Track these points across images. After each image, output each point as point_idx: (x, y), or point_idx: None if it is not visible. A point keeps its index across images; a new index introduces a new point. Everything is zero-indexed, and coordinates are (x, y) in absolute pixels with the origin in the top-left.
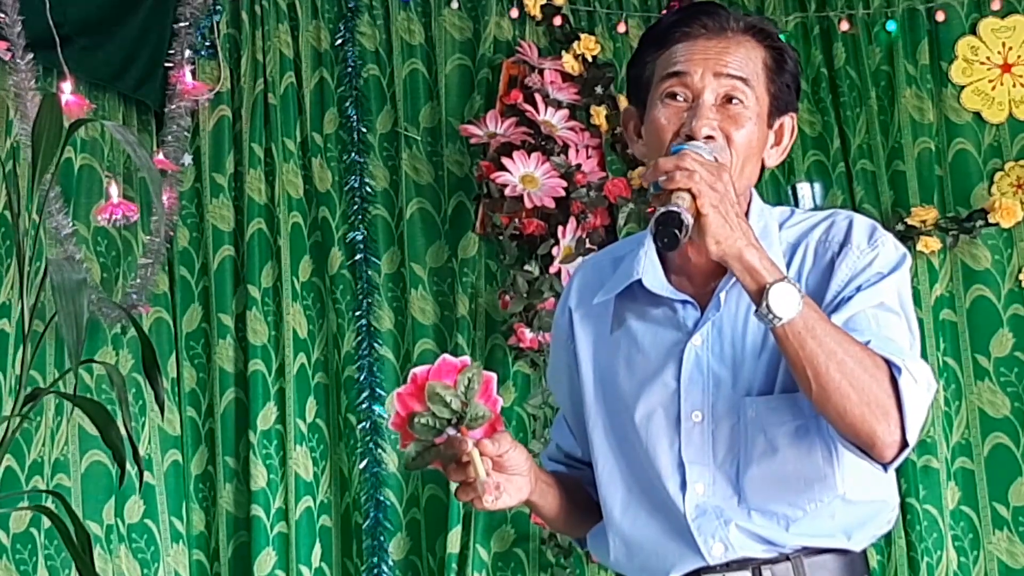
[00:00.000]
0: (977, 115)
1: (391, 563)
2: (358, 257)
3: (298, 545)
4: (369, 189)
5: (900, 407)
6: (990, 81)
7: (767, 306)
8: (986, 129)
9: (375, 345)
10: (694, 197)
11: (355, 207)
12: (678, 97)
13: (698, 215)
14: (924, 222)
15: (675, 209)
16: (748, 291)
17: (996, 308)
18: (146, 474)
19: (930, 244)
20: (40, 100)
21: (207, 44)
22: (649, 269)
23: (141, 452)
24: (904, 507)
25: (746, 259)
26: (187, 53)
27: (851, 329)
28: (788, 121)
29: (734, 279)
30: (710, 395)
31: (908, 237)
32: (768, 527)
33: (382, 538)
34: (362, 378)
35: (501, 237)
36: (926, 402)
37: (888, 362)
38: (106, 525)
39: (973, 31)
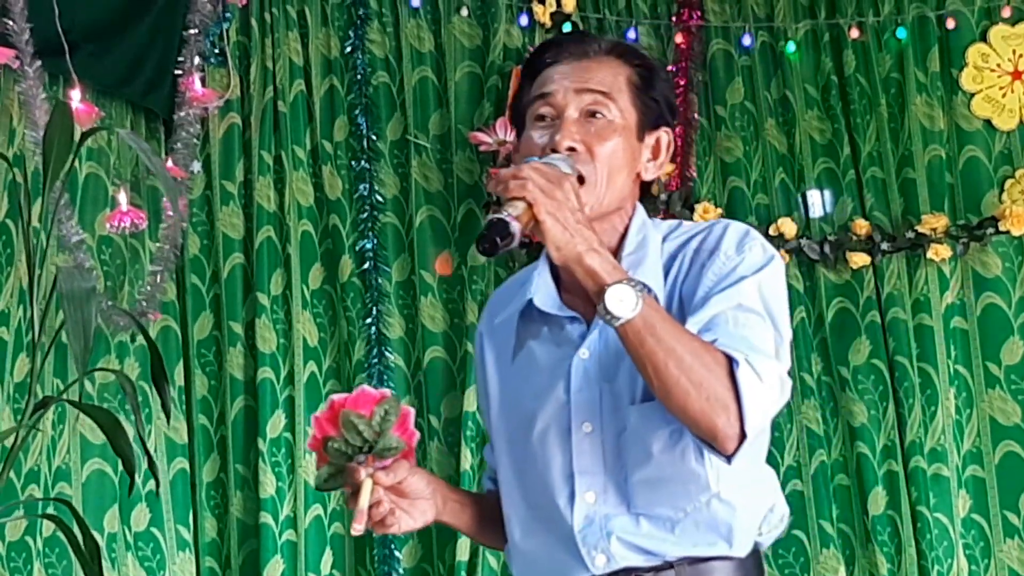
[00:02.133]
0: (987, 122)
1: (402, 571)
2: (367, 265)
3: (307, 553)
4: (379, 197)
5: (739, 400)
6: (1000, 88)
7: (604, 307)
8: (996, 136)
9: (385, 352)
10: (531, 205)
11: (365, 215)
12: (546, 118)
13: (537, 223)
14: (935, 230)
15: (502, 217)
16: (591, 294)
17: (1007, 316)
18: (153, 482)
19: (941, 252)
20: (50, 108)
21: (216, 51)
22: (541, 289)
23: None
24: (915, 515)
25: (586, 263)
26: (196, 60)
27: (707, 329)
28: (664, 136)
29: None
30: (598, 406)
31: (919, 245)
32: (653, 534)
33: (392, 546)
34: (373, 386)
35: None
36: (769, 397)
37: (728, 357)
38: (108, 534)
39: (983, 38)
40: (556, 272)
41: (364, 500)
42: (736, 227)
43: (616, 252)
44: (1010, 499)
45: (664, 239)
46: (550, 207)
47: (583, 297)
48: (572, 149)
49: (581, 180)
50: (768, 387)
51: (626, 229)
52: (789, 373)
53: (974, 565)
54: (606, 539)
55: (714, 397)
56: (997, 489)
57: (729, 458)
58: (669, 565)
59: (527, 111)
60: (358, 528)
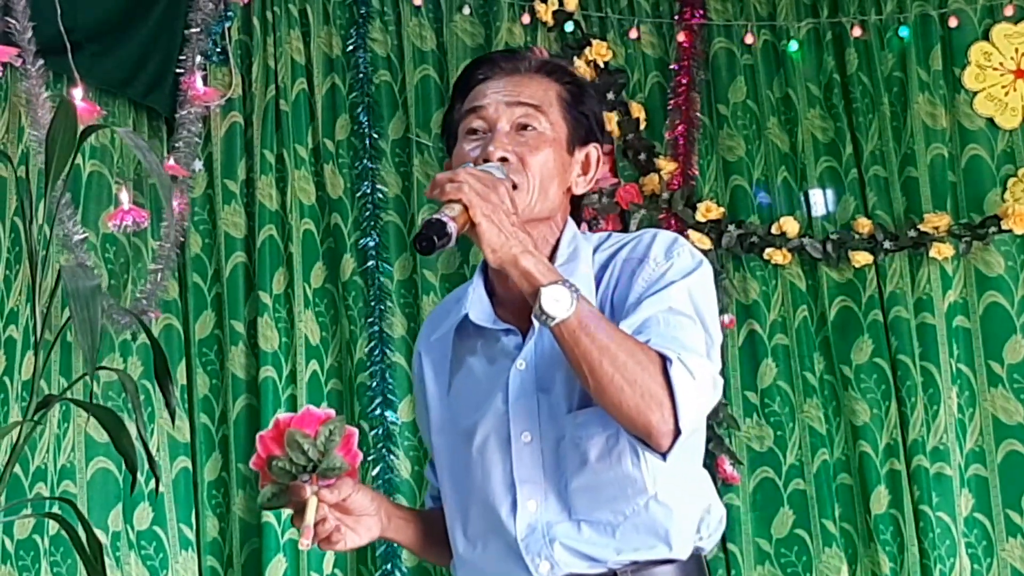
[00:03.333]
0: (990, 121)
1: (404, 570)
2: (369, 264)
3: (309, 553)
4: (381, 195)
5: (673, 397)
6: (1003, 87)
7: (539, 307)
8: (999, 135)
9: (387, 351)
10: (467, 208)
11: (367, 213)
12: (477, 131)
13: (472, 225)
14: (937, 228)
15: (440, 217)
16: (526, 295)
17: (1010, 314)
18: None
19: (943, 251)
20: (53, 106)
21: (218, 50)
22: (476, 304)
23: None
24: (917, 514)
25: (521, 264)
26: (198, 59)
27: (639, 332)
28: (593, 151)
29: None
30: (536, 415)
31: (921, 244)
32: (594, 540)
33: (395, 544)
34: (375, 384)
35: None
36: (703, 395)
37: (661, 355)
38: (112, 532)
39: (986, 37)
40: (490, 287)
41: (310, 517)
42: (664, 235)
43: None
44: (1013, 498)
45: (595, 250)
46: (485, 209)
47: (516, 310)
48: (504, 159)
49: (514, 186)
50: (701, 385)
51: (557, 240)
52: (721, 373)
53: (976, 564)
54: (549, 546)
55: (648, 394)
56: (999, 488)
57: (664, 455)
58: (613, 572)
59: (459, 125)
60: (305, 543)
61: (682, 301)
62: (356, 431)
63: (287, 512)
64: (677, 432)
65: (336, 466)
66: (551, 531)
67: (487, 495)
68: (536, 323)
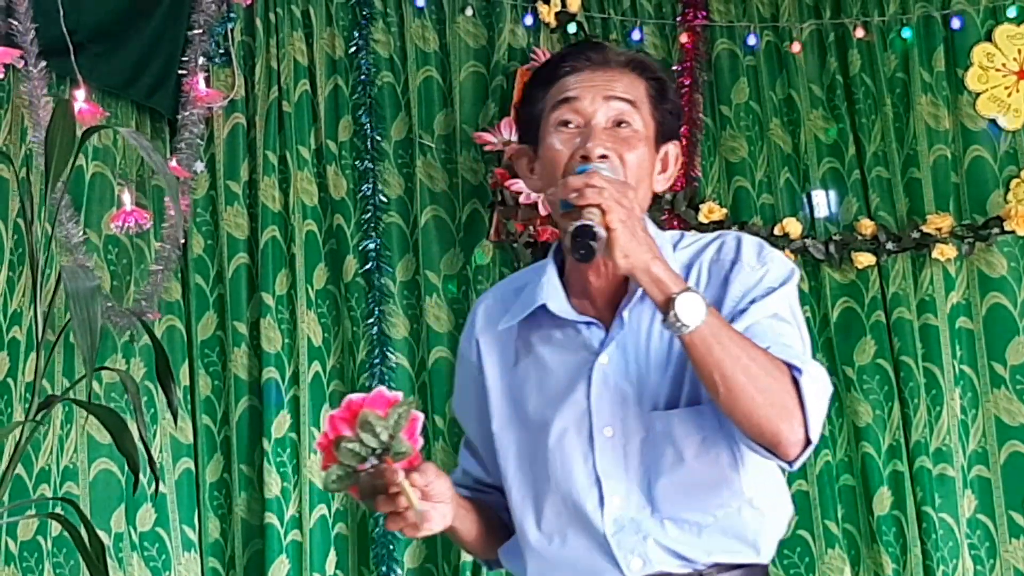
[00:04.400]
0: (993, 122)
1: (405, 571)
2: (370, 265)
3: (312, 553)
4: (383, 197)
5: (802, 407)
6: (1006, 88)
7: (675, 315)
8: (1002, 136)
9: (387, 353)
10: (603, 213)
11: (368, 215)
12: (570, 124)
13: (608, 229)
14: (940, 230)
15: (589, 223)
16: (655, 302)
17: (1012, 316)
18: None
19: (946, 252)
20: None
21: (221, 52)
22: (552, 294)
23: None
24: (920, 516)
25: (653, 271)
26: (201, 60)
27: (750, 337)
28: (672, 149)
29: (635, 299)
30: (619, 410)
31: (924, 245)
32: (681, 537)
33: (391, 547)
34: (374, 386)
35: (515, 244)
36: (825, 402)
37: (789, 365)
38: (115, 533)
39: (989, 38)
40: (562, 276)
41: (416, 500)
42: (749, 238)
43: None
44: (1015, 499)
45: (674, 248)
46: (621, 215)
47: (598, 303)
48: (604, 157)
49: None
50: (825, 393)
51: None
52: None
53: (979, 565)
54: (643, 542)
55: (780, 404)
56: (1002, 489)
57: (791, 463)
58: (699, 573)
59: (546, 117)
60: (429, 527)
61: (784, 308)
62: (422, 416)
63: (290, 513)
64: (807, 442)
65: (404, 450)
66: (641, 528)
67: (568, 489)
68: (624, 316)
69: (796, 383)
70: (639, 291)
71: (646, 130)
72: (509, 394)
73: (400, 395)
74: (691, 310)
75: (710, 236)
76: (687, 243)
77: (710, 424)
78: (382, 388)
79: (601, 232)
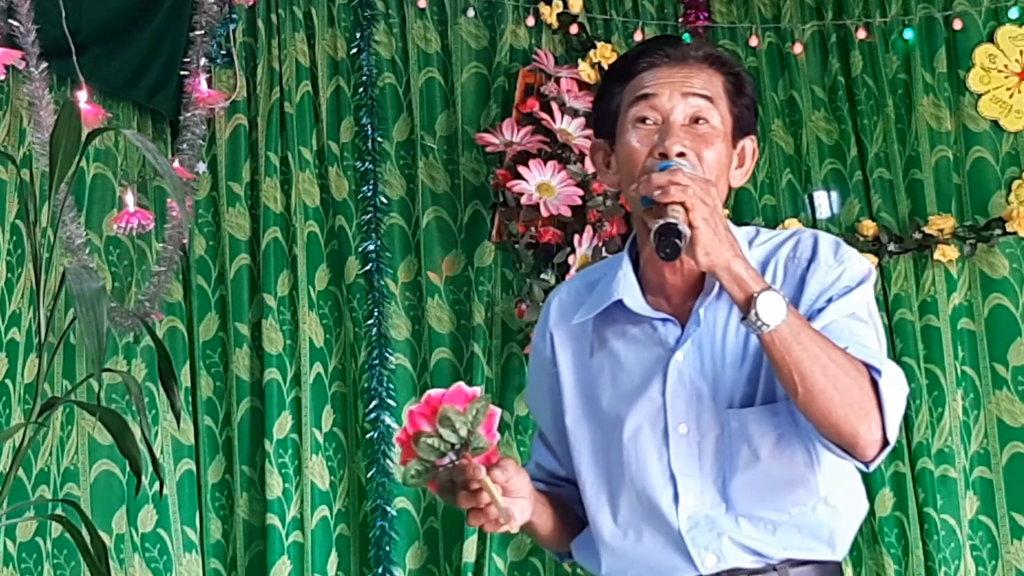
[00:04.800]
0: (995, 123)
1: (407, 571)
2: (372, 266)
3: (313, 554)
4: (385, 198)
5: (880, 407)
6: (1008, 89)
7: (755, 314)
8: (1004, 137)
9: (387, 355)
10: (687, 210)
11: (369, 216)
12: (648, 120)
13: (690, 227)
14: (941, 231)
15: (673, 221)
16: (736, 300)
17: (1014, 317)
18: (158, 484)
19: (948, 253)
20: (56, 109)
21: (223, 53)
22: (628, 290)
23: None
24: (922, 517)
25: (734, 270)
26: (203, 61)
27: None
28: (748, 144)
29: (711, 296)
30: (694, 408)
31: (925, 246)
32: (755, 535)
33: (388, 548)
34: (373, 387)
35: (517, 246)
36: (903, 403)
37: (868, 366)
38: (115, 535)
39: (991, 39)
40: (637, 271)
41: (499, 496)
42: (826, 236)
43: None
44: (1018, 500)
45: (749, 245)
46: (704, 213)
47: (674, 299)
48: (682, 154)
49: None
50: (903, 394)
51: None
52: None
53: (981, 567)
54: (717, 539)
55: (858, 404)
56: (1005, 490)
57: (868, 464)
58: (772, 567)
59: (623, 113)
60: (515, 524)
61: (861, 308)
62: (499, 411)
63: (291, 514)
64: (885, 442)
65: (482, 445)
66: (716, 525)
67: (643, 485)
68: (700, 313)
69: (874, 383)
70: (715, 288)
71: (723, 126)
72: (583, 389)
73: (479, 390)
74: (772, 309)
75: (786, 233)
76: (762, 240)
77: (786, 422)
78: (460, 383)
79: (685, 230)
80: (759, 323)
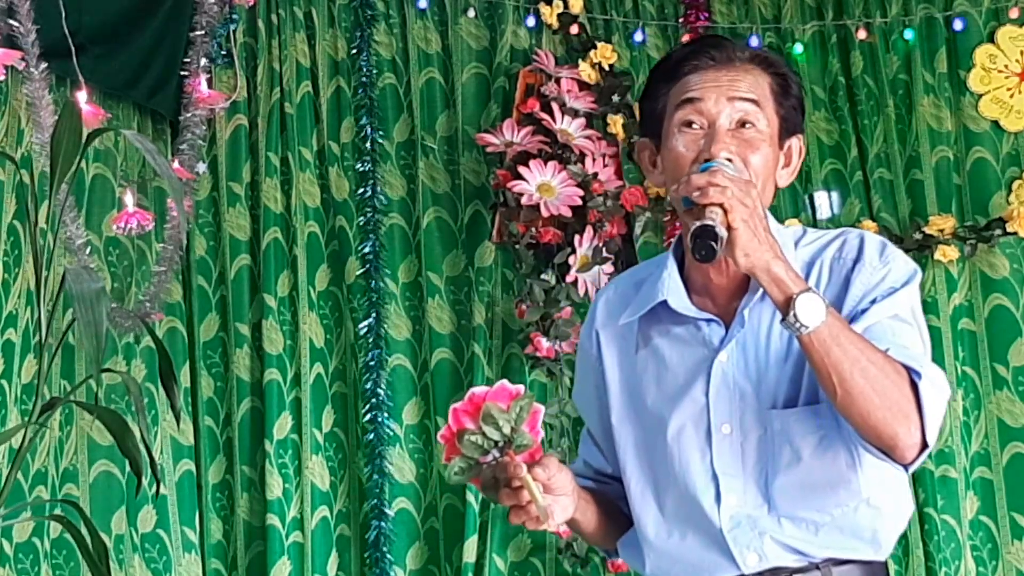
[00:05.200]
0: (995, 124)
1: (407, 572)
2: (372, 267)
3: (314, 554)
4: (385, 198)
5: (920, 410)
6: (1008, 89)
7: (794, 315)
8: (1004, 137)
9: (386, 356)
10: (725, 212)
11: (371, 216)
12: (694, 124)
13: (729, 228)
14: (942, 231)
15: (710, 223)
16: (775, 302)
17: (1015, 317)
18: (158, 484)
19: (948, 253)
20: (56, 110)
21: (223, 53)
22: (673, 290)
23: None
24: (922, 517)
25: (773, 271)
26: (203, 62)
27: (869, 339)
28: (795, 143)
29: (756, 297)
30: (737, 408)
31: (926, 246)
32: (798, 535)
33: (385, 548)
34: (373, 388)
35: (518, 246)
36: (943, 406)
37: (908, 368)
38: (115, 535)
39: (991, 39)
40: (682, 271)
41: (539, 495)
42: (872, 237)
43: None
44: (1018, 501)
45: (795, 245)
46: (744, 214)
47: (719, 300)
48: (728, 160)
49: None
50: (943, 397)
51: None
52: None
53: (982, 567)
54: (759, 539)
55: (897, 407)
56: (1005, 491)
57: (907, 467)
58: (815, 566)
59: (669, 116)
60: (554, 524)
61: (905, 309)
62: (543, 408)
63: (292, 514)
64: (924, 445)
65: (526, 443)
66: (758, 525)
67: (686, 485)
68: (744, 314)
69: (914, 386)
70: (760, 290)
71: (770, 128)
72: (628, 387)
73: (522, 388)
74: (811, 311)
75: (833, 233)
76: (809, 240)
77: (828, 424)
78: (504, 381)
79: (722, 232)
80: (798, 324)
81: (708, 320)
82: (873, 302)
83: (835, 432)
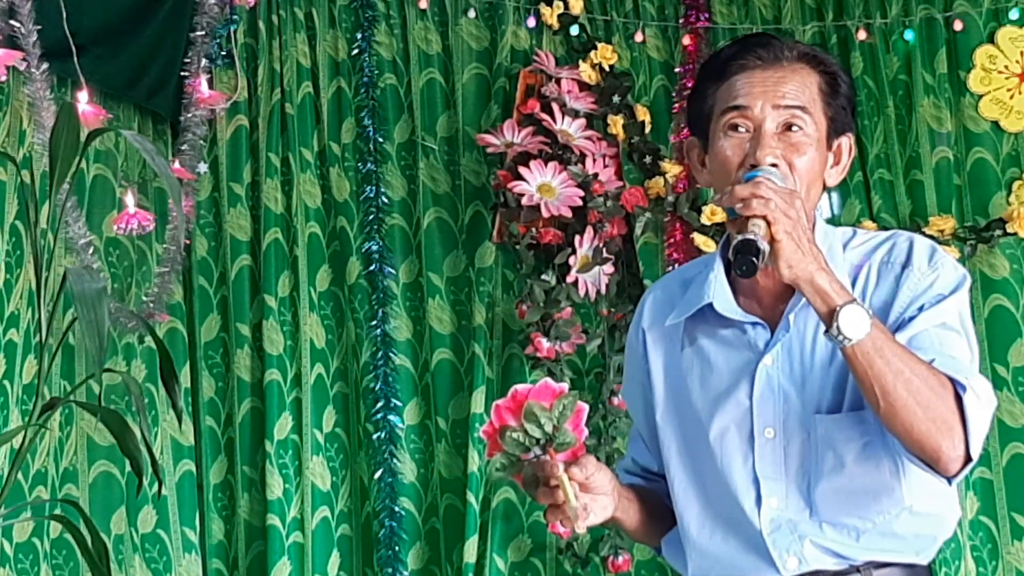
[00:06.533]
0: (995, 124)
1: (409, 572)
2: (373, 267)
3: (314, 555)
4: (386, 199)
5: (964, 423)
6: (1008, 90)
7: (837, 327)
8: (1004, 138)
9: (391, 355)
10: (769, 224)
11: (371, 217)
12: (740, 128)
13: (772, 240)
14: (942, 232)
15: (752, 237)
16: (819, 313)
17: (1015, 317)
18: (159, 484)
19: (948, 254)
20: (57, 109)
21: (224, 53)
22: (720, 292)
23: None
24: None
25: (817, 283)
26: (203, 62)
27: (915, 347)
28: (845, 141)
29: (803, 302)
30: (781, 412)
31: None
32: (839, 540)
33: (396, 548)
34: (377, 388)
35: (518, 246)
36: (988, 418)
37: (952, 380)
38: (115, 535)
39: (991, 40)
40: (738, 277)
41: (572, 495)
42: (922, 241)
43: None
44: (1018, 501)
45: (844, 248)
46: (787, 226)
47: (765, 303)
48: (773, 165)
49: None
50: (988, 409)
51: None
52: None
53: (982, 567)
54: (799, 542)
55: (941, 420)
56: (1005, 491)
57: (950, 479)
58: (856, 569)
59: (716, 118)
60: (581, 526)
61: (953, 317)
62: (586, 407)
63: (292, 514)
64: (968, 458)
65: (568, 441)
66: (798, 529)
67: (728, 487)
68: (790, 319)
69: (959, 399)
70: None
71: (817, 131)
72: (672, 387)
73: (565, 386)
74: (854, 323)
75: (882, 236)
76: (858, 242)
77: (872, 430)
78: (547, 379)
79: (764, 246)
80: (841, 336)
81: (754, 323)
82: (921, 309)
83: (879, 439)
